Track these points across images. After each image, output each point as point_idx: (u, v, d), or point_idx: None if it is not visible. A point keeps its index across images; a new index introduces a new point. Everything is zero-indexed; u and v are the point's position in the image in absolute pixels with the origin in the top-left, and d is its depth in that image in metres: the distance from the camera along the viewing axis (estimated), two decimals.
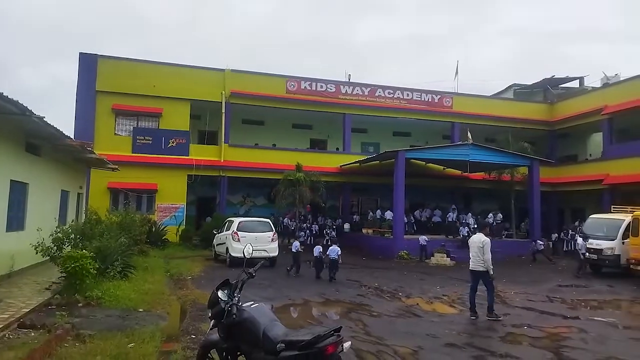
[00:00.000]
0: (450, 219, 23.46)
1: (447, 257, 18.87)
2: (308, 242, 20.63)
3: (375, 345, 6.62)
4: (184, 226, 22.11)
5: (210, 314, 4.19)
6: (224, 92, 23.71)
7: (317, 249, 14.20)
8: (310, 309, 9.77)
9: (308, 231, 23.31)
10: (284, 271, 14.38)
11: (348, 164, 24.04)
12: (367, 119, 26.10)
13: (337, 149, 26.52)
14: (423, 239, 19.16)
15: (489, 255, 8.46)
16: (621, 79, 26.55)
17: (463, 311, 9.40)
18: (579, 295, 11.62)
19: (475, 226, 20.84)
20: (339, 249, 13.59)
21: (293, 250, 14.57)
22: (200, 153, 23.00)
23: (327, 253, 13.52)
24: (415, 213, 24.67)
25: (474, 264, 8.63)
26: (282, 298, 10.39)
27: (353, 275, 14.05)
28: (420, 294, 11.43)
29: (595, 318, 9.01)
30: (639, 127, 23.88)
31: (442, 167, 24.40)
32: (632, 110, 22.36)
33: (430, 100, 26.43)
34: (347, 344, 3.78)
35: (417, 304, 10.16)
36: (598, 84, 29.24)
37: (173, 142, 22.70)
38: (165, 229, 20.65)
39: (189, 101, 23.21)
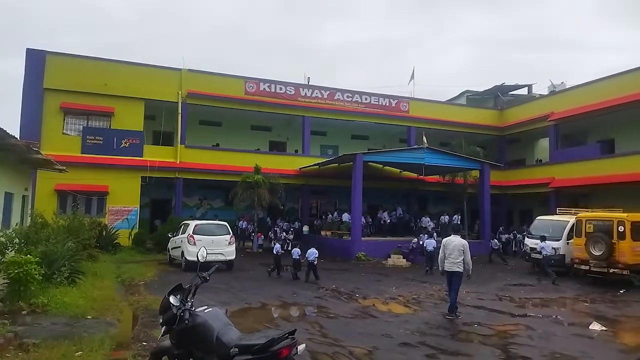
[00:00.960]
0: (406, 220, 23.89)
1: (403, 258, 19.26)
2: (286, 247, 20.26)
3: (332, 347, 6.68)
4: (137, 229, 21.40)
5: (161, 320, 4.09)
6: (180, 92, 23.22)
7: (296, 252, 14.45)
8: (267, 312, 9.71)
9: (283, 233, 23.01)
10: (241, 275, 14.30)
11: (307, 167, 24.10)
12: (326, 122, 26.28)
13: (296, 151, 26.54)
14: (430, 243, 16.40)
15: (469, 257, 8.76)
16: (567, 87, 28.12)
17: (417, 311, 9.66)
18: (527, 293, 12.09)
19: (438, 229, 21.50)
20: (316, 251, 13.90)
21: (274, 252, 14.93)
22: (154, 154, 22.37)
23: (306, 256, 13.80)
24: (378, 214, 24.88)
25: (452, 264, 8.81)
26: (238, 302, 10.27)
27: (311, 277, 14.08)
28: (376, 294, 11.63)
29: (541, 315, 9.40)
30: (583, 133, 25.47)
31: (398, 170, 24.91)
32: (577, 116, 23.60)
33: (387, 104, 26.97)
34: (301, 347, 3.80)
35: (374, 304, 10.33)
36: (545, 92, 30.86)
37: (126, 143, 21.96)
38: (116, 233, 19.91)
39: (143, 100, 22.54)
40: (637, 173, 19.40)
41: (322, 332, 7.59)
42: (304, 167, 24.19)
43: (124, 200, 21.50)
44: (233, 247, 15.68)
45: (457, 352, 6.63)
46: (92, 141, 21.58)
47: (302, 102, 25.35)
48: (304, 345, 3.90)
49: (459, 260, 8.76)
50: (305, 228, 24.97)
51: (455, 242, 8.94)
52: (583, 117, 23.50)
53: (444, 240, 9.18)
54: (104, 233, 18.77)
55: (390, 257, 19.35)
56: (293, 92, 25.34)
